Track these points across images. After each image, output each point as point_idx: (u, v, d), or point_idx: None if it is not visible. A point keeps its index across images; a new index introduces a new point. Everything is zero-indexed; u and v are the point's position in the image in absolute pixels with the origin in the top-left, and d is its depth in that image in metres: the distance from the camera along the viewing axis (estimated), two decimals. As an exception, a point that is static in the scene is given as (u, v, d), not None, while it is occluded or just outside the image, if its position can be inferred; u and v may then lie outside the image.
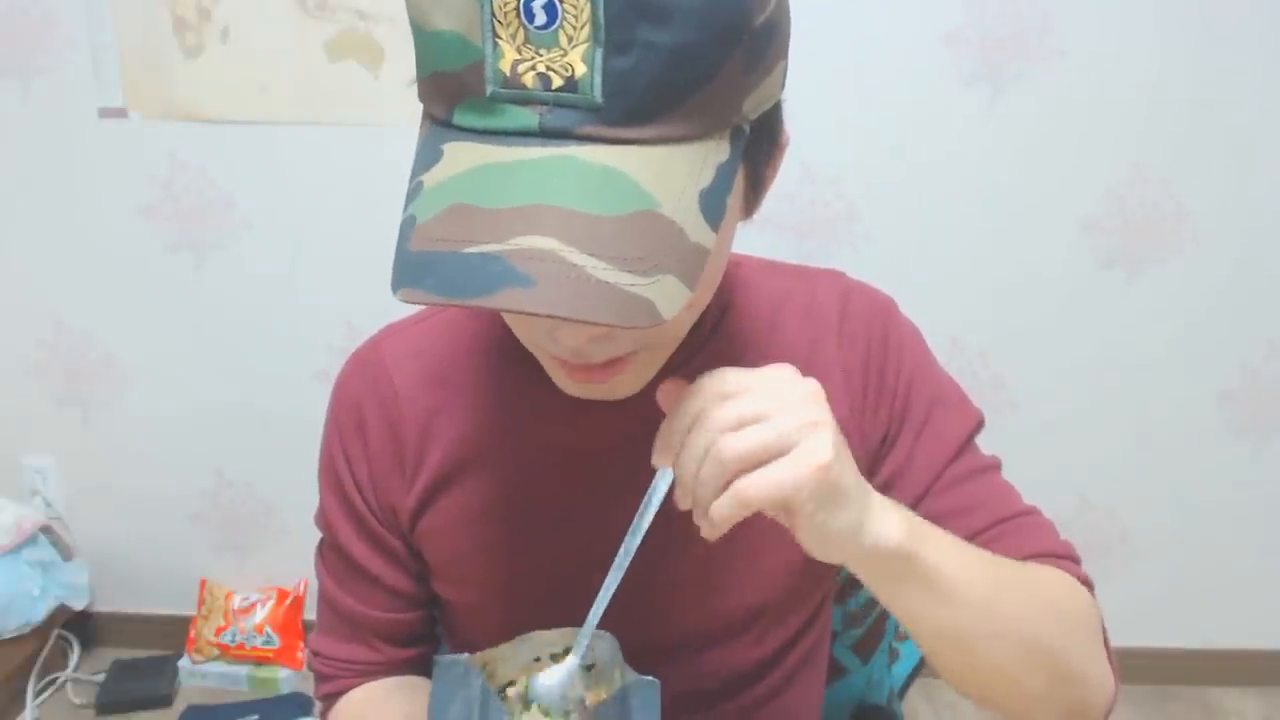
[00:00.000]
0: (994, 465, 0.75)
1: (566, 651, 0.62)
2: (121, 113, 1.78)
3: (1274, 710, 1.97)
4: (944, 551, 0.56)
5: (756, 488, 0.48)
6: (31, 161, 1.82)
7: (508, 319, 0.61)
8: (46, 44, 1.75)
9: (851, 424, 0.71)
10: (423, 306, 0.75)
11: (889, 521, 0.53)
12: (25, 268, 1.88)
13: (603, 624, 0.62)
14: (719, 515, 0.49)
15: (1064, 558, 0.69)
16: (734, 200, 0.53)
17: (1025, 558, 0.66)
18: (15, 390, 1.96)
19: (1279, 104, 1.73)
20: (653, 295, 0.45)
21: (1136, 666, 2.00)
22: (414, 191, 0.49)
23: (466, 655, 0.61)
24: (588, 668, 0.61)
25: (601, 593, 0.57)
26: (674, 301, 0.46)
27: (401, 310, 0.75)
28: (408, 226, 0.48)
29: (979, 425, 0.75)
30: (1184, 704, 1.99)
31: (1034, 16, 1.69)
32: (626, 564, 0.56)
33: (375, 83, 1.74)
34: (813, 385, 0.52)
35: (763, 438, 0.49)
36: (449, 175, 0.48)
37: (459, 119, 0.49)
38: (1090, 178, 1.78)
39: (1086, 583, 0.68)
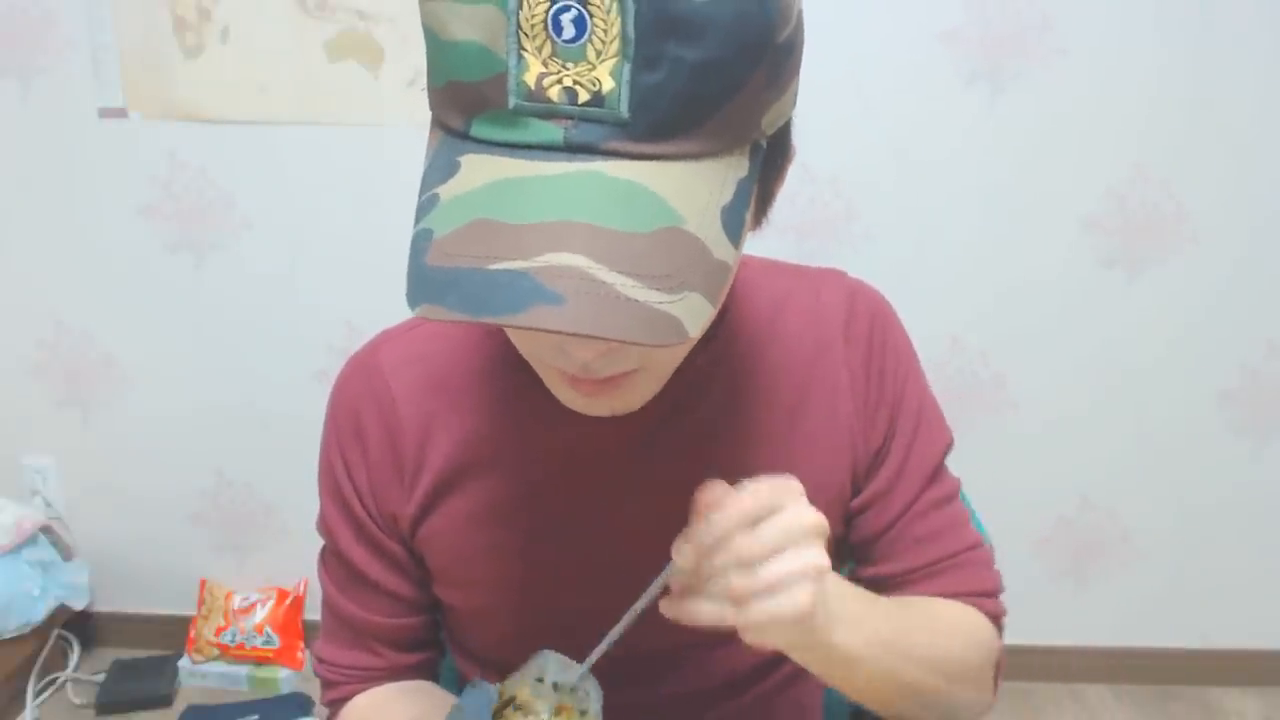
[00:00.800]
0: (957, 488, 0.77)
1: (571, 691, 0.62)
2: (121, 113, 1.78)
3: (1274, 710, 1.97)
4: (852, 628, 0.59)
5: (741, 618, 0.52)
6: (31, 161, 1.82)
7: (511, 332, 0.60)
8: (46, 44, 1.75)
9: (857, 427, 0.72)
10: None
11: (830, 632, 0.57)
12: (25, 268, 1.88)
13: (614, 619, 0.61)
14: (699, 616, 0.54)
15: (986, 595, 0.75)
16: (747, 215, 0.53)
17: (953, 595, 0.73)
18: (15, 390, 1.96)
19: (1279, 104, 1.73)
20: (679, 313, 0.45)
21: (1136, 666, 2.01)
22: (428, 204, 0.48)
23: (497, 685, 0.62)
24: (582, 712, 0.62)
25: (603, 643, 0.60)
26: (699, 318, 0.46)
27: (401, 311, 0.75)
28: (423, 240, 0.47)
29: (950, 445, 0.77)
30: (1184, 704, 1.98)
31: (1033, 15, 1.69)
32: (623, 630, 0.59)
33: (375, 83, 1.74)
34: (820, 522, 0.54)
35: (766, 581, 0.52)
36: (468, 189, 0.47)
37: (477, 131, 0.48)
38: (1091, 177, 1.78)
39: (998, 615, 0.75)
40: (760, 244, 0.73)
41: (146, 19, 1.73)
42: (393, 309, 0.77)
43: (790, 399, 0.71)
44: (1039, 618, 2.00)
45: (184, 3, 1.72)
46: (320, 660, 0.78)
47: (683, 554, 0.54)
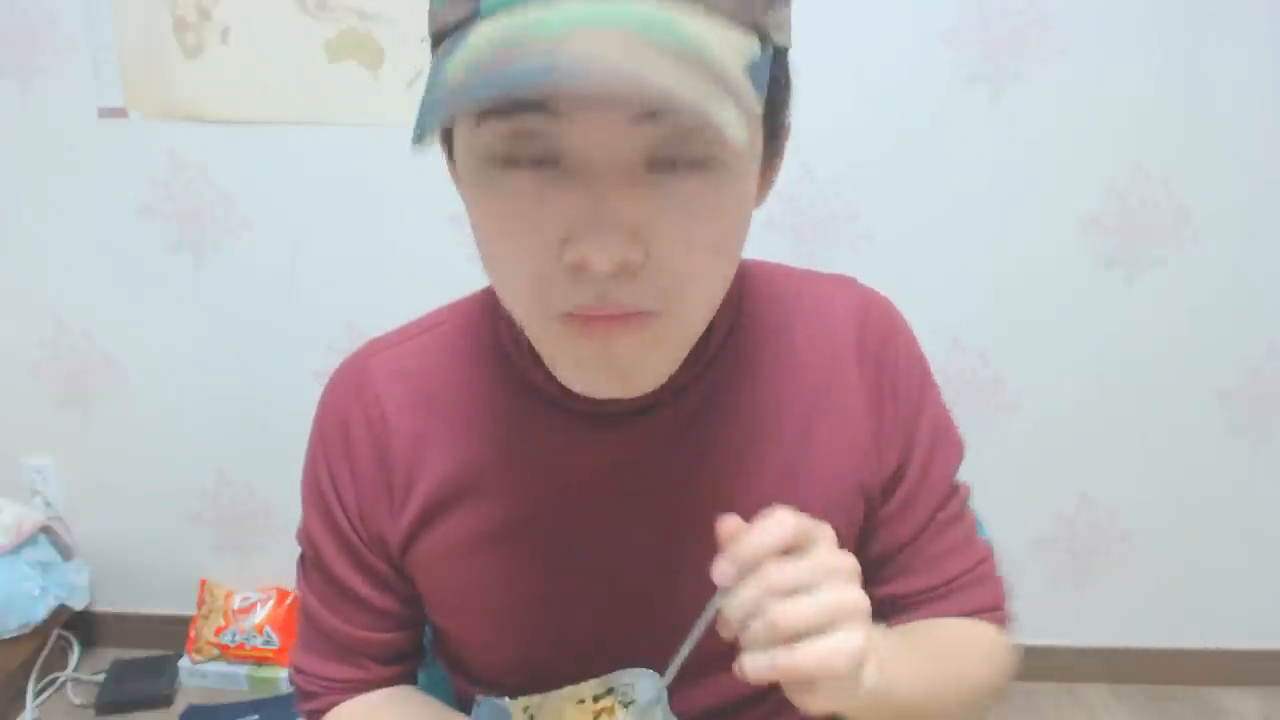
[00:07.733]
0: (967, 497, 0.77)
1: (609, 692, 0.60)
2: (121, 113, 1.78)
3: (1274, 710, 1.97)
4: (900, 677, 0.57)
5: (793, 662, 0.48)
6: (31, 161, 1.82)
7: (511, 267, 0.53)
8: (46, 44, 1.75)
9: (869, 449, 0.69)
10: (405, 323, 0.73)
11: (869, 673, 0.53)
12: (25, 267, 1.88)
13: (625, 642, 0.59)
14: (753, 671, 0.50)
15: (995, 609, 0.75)
16: (754, 171, 0.52)
17: (970, 613, 0.73)
18: (15, 390, 1.96)
19: (1279, 104, 1.73)
20: (719, 113, 0.41)
21: (1136, 666, 2.01)
22: (437, 67, 0.46)
23: (508, 699, 0.60)
24: (626, 704, 0.60)
25: (670, 668, 0.57)
26: (739, 131, 0.42)
27: (402, 312, 0.75)
28: (435, 88, 0.45)
29: (962, 457, 0.75)
30: (1184, 704, 1.99)
31: (1034, 15, 1.69)
32: (682, 659, 0.56)
33: (375, 83, 1.74)
34: (855, 566, 0.52)
35: (810, 615, 0.49)
36: (484, 37, 0.45)
37: (487, 6, 0.46)
38: (1091, 176, 1.78)
39: (1007, 624, 0.75)
40: (761, 243, 0.73)
41: (146, 19, 1.73)
42: (393, 309, 0.77)
43: (798, 421, 0.68)
44: (1038, 618, 2.00)
45: (184, 3, 1.72)
46: (299, 671, 0.75)
47: (721, 574, 0.50)
